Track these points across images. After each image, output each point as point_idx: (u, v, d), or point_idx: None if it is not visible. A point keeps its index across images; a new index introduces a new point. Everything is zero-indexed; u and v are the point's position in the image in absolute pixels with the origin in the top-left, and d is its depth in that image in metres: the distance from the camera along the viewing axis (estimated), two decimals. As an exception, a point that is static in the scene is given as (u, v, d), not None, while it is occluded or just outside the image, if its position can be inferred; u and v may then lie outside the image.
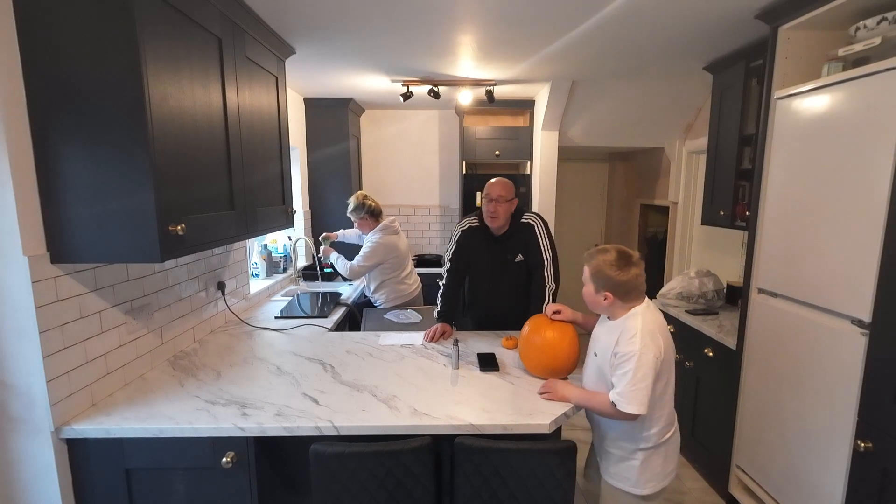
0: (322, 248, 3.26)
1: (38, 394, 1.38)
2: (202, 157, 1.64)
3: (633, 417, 1.44)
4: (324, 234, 3.38)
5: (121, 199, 1.35)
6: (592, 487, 1.80)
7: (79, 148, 1.33)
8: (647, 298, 1.56)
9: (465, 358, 2.00)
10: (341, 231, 3.47)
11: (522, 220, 2.34)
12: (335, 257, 3.13)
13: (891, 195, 1.48)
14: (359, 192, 3.20)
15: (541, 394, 1.67)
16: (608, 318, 1.58)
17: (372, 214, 3.09)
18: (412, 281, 3.26)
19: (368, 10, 2.06)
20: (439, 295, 2.45)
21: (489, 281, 2.44)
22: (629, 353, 1.42)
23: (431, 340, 2.23)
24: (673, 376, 1.53)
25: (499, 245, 2.36)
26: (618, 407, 1.42)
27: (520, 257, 2.34)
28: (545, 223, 2.35)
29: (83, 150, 1.33)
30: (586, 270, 1.56)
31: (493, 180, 2.32)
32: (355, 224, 3.18)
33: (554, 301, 2.26)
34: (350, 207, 3.10)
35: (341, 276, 3.22)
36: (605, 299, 1.51)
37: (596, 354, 1.59)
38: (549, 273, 2.27)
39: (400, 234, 3.17)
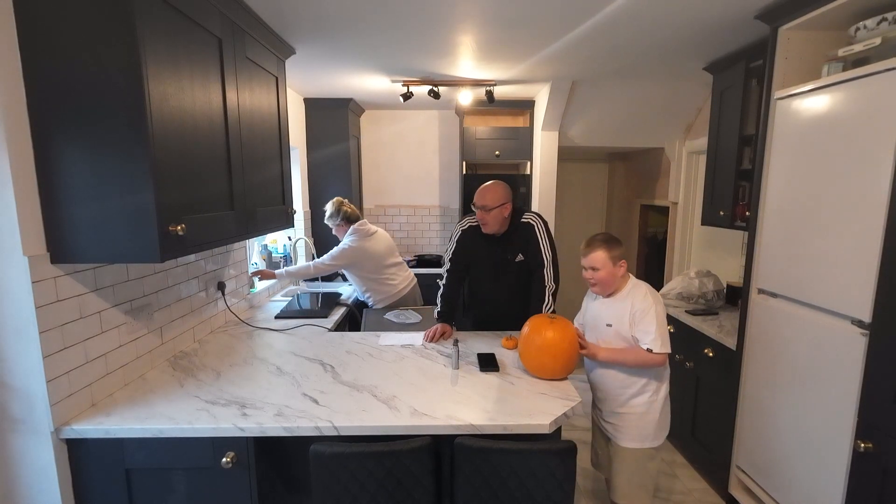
0: (255, 275, 2.99)
1: (38, 394, 1.38)
2: (202, 157, 1.64)
3: (663, 360, 1.73)
4: (258, 271, 3.00)
5: (121, 198, 1.35)
6: (601, 469, 2.00)
7: (79, 148, 1.33)
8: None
9: (465, 358, 2.00)
10: (283, 269, 3.09)
11: (523, 220, 2.33)
12: (282, 271, 2.98)
13: (891, 195, 1.48)
14: (336, 198, 3.13)
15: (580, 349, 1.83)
16: (605, 296, 1.84)
17: (348, 220, 3.04)
18: (398, 281, 3.15)
19: (369, 10, 2.06)
20: (439, 295, 2.45)
21: (489, 281, 2.44)
22: (647, 307, 1.73)
23: (431, 341, 2.23)
24: None
25: (499, 245, 2.36)
26: (655, 350, 1.70)
27: (520, 257, 2.33)
28: (545, 223, 2.35)
29: (83, 150, 1.33)
30: (598, 256, 1.77)
31: (481, 187, 2.30)
32: (333, 230, 3.12)
33: (553, 301, 2.26)
34: (327, 214, 3.06)
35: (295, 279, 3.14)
36: (621, 267, 1.79)
37: (610, 325, 1.81)
38: (548, 273, 2.26)
39: (374, 235, 3.08)
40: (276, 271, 3.00)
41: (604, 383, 1.86)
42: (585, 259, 1.80)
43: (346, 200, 3.13)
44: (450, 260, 2.44)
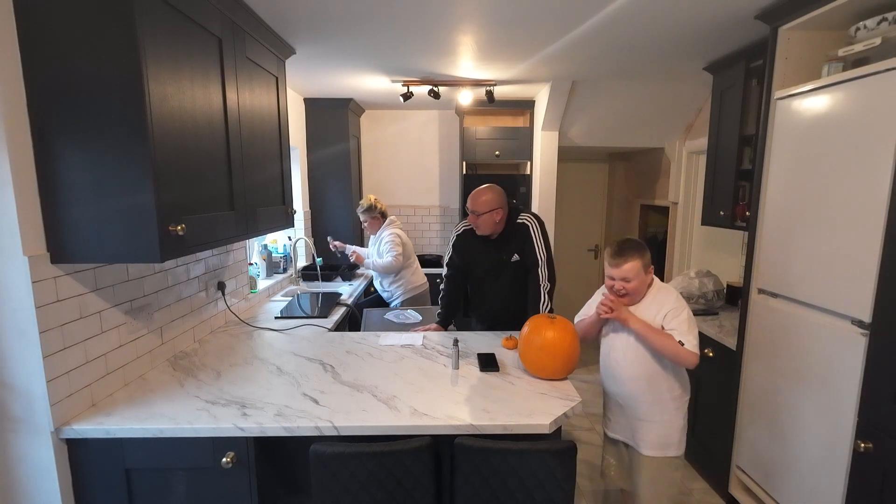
0: (350, 248, 3.58)
1: (38, 394, 1.38)
2: (202, 158, 1.64)
3: (694, 360, 1.63)
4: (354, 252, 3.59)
5: (121, 199, 1.35)
6: (617, 482, 1.90)
7: (79, 148, 1.33)
8: None
9: (465, 358, 2.00)
10: (351, 246, 3.72)
11: (518, 221, 2.34)
12: (370, 261, 3.41)
13: (891, 195, 1.48)
14: (370, 195, 3.61)
15: (602, 305, 1.71)
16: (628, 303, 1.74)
17: (382, 215, 3.48)
18: (421, 274, 3.57)
19: (369, 10, 2.06)
20: (440, 298, 2.51)
21: (488, 282, 2.45)
22: (679, 306, 1.68)
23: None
24: None
25: (494, 246, 2.38)
26: (687, 347, 1.62)
27: (515, 257, 2.34)
28: (540, 223, 2.35)
29: (83, 150, 1.33)
30: (633, 266, 1.67)
31: (474, 192, 2.32)
32: (365, 223, 3.49)
33: (550, 299, 2.27)
34: (362, 207, 3.45)
35: (368, 272, 3.77)
36: (650, 272, 1.72)
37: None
38: (543, 272, 2.28)
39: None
40: (365, 261, 3.47)
41: (624, 390, 1.77)
42: (617, 270, 1.68)
43: (377, 198, 3.52)
44: (447, 265, 2.49)
